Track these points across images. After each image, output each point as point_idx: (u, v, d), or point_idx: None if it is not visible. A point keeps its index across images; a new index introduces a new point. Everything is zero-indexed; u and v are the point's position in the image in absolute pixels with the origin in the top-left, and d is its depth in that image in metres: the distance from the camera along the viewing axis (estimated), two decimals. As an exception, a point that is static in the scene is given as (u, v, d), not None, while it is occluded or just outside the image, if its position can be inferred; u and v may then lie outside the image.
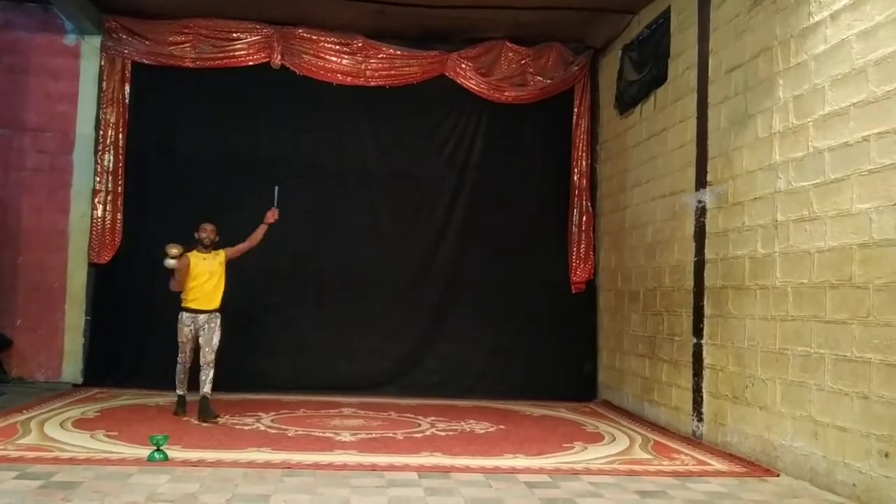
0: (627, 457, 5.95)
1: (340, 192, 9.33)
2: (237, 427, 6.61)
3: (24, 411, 6.80)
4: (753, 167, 6.04)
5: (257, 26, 9.16)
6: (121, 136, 9.11)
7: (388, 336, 9.25)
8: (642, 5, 8.28)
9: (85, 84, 9.21)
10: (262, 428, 6.63)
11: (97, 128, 9.12)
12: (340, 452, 5.68)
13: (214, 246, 6.98)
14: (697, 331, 6.81)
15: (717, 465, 5.71)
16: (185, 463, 5.12)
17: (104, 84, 9.10)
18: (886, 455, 4.47)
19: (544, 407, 8.50)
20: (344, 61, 9.28)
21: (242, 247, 7.17)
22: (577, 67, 9.56)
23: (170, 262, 6.72)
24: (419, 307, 9.35)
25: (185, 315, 6.90)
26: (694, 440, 6.66)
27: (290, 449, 5.77)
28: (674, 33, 7.60)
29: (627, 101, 8.66)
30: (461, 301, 9.43)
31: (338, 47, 9.28)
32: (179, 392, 7.05)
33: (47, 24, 9.14)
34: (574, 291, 9.50)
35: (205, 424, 6.63)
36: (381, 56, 9.33)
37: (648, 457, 5.96)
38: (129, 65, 9.13)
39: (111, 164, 9.06)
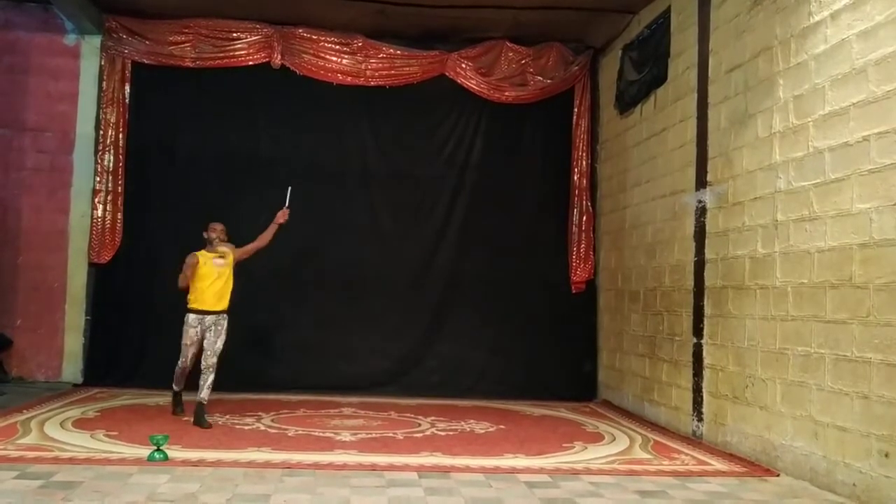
0: (627, 457, 5.95)
1: (340, 192, 9.33)
2: (237, 427, 6.61)
3: (24, 411, 6.80)
4: (753, 167, 6.04)
5: (257, 26, 9.16)
6: (121, 135, 9.11)
7: (388, 336, 9.25)
8: (642, 5, 8.28)
9: (85, 84, 9.21)
10: (263, 428, 6.63)
11: (97, 128, 9.12)
12: (340, 452, 5.68)
13: (224, 245, 6.81)
14: (697, 331, 6.81)
15: (718, 464, 5.71)
16: (185, 463, 5.12)
17: (104, 84, 9.10)
18: (886, 455, 4.47)
19: (544, 407, 8.49)
20: (344, 61, 9.28)
21: (251, 247, 7.01)
22: (577, 67, 9.56)
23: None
24: (419, 307, 9.35)
25: (191, 316, 6.70)
26: (694, 440, 6.66)
27: (290, 449, 5.77)
28: (674, 33, 7.60)
29: (627, 101, 8.66)
30: (461, 301, 9.42)
31: (338, 47, 9.28)
32: (176, 388, 6.93)
33: (47, 23, 9.14)
34: (574, 291, 9.50)
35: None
36: (381, 56, 9.33)
37: (648, 457, 5.96)
38: (130, 65, 9.13)
39: (111, 164, 9.06)
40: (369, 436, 6.46)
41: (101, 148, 9.06)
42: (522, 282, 9.43)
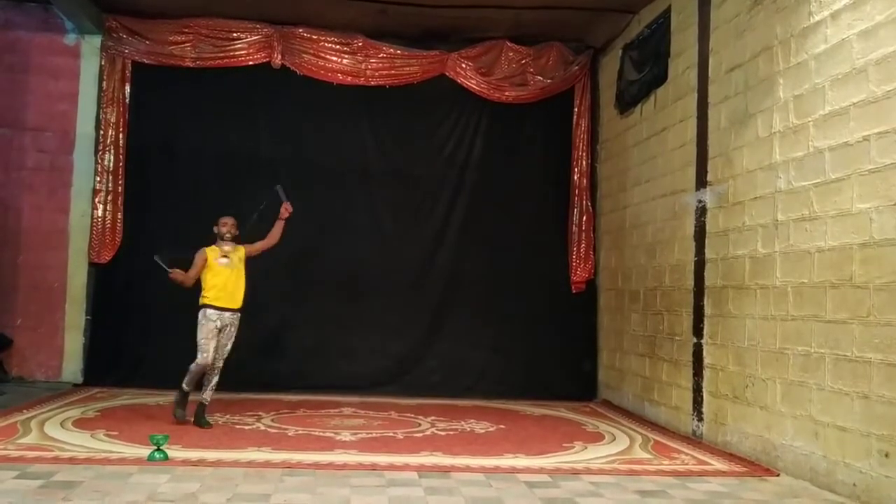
0: (627, 456, 5.95)
1: (340, 192, 9.32)
2: (237, 427, 6.61)
3: (25, 411, 6.80)
4: (754, 167, 6.04)
5: (257, 26, 9.16)
6: (121, 135, 9.10)
7: (388, 336, 9.24)
8: (642, 5, 8.28)
9: (85, 84, 9.20)
10: (263, 427, 6.63)
11: (97, 127, 9.11)
12: (341, 452, 5.68)
13: (234, 240, 6.78)
14: (697, 330, 6.81)
15: (718, 464, 5.71)
16: (186, 462, 5.12)
17: (104, 84, 9.10)
18: (887, 455, 4.47)
19: (544, 407, 8.49)
20: (344, 61, 9.28)
21: (261, 245, 6.96)
22: (577, 67, 9.56)
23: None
24: (419, 307, 9.35)
25: (210, 311, 6.53)
26: (694, 440, 6.66)
27: (290, 448, 5.77)
28: (674, 33, 7.60)
29: (628, 101, 8.66)
30: (461, 301, 9.42)
31: (338, 47, 9.28)
32: (186, 388, 6.59)
33: (47, 23, 9.14)
34: (574, 291, 9.49)
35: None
36: (381, 56, 9.33)
37: (648, 456, 5.96)
38: (130, 64, 9.13)
39: (111, 164, 9.06)
40: (369, 435, 6.46)
41: (101, 148, 9.06)
42: (522, 281, 9.43)
